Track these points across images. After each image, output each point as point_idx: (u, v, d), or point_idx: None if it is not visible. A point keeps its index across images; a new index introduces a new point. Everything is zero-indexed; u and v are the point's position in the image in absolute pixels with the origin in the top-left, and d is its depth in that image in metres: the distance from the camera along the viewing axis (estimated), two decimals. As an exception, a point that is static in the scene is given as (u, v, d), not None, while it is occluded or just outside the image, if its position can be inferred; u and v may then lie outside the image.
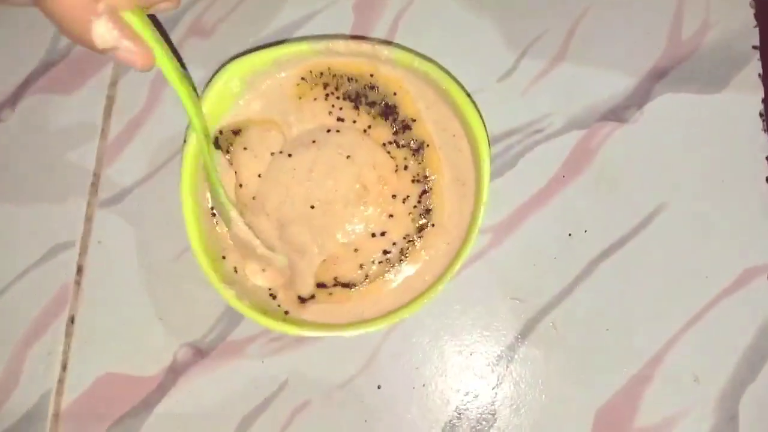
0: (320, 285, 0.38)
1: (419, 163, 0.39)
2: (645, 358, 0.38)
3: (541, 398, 0.38)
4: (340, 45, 0.38)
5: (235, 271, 0.38)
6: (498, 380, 0.39)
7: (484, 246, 0.40)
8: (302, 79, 0.39)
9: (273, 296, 0.39)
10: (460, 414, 0.39)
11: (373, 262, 0.38)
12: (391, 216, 0.38)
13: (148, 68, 0.33)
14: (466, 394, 0.39)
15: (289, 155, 0.39)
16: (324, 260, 0.38)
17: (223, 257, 0.38)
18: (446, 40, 0.43)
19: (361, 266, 0.38)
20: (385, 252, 0.38)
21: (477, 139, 0.36)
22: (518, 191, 0.40)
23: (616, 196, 0.40)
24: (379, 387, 0.39)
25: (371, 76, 0.39)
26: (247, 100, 0.40)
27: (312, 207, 0.38)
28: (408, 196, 0.38)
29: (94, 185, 0.44)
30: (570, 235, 0.40)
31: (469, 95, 0.37)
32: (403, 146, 0.39)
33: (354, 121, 0.39)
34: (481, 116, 0.36)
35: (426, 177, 0.39)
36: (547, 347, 0.39)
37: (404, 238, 0.38)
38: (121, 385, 0.41)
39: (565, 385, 0.38)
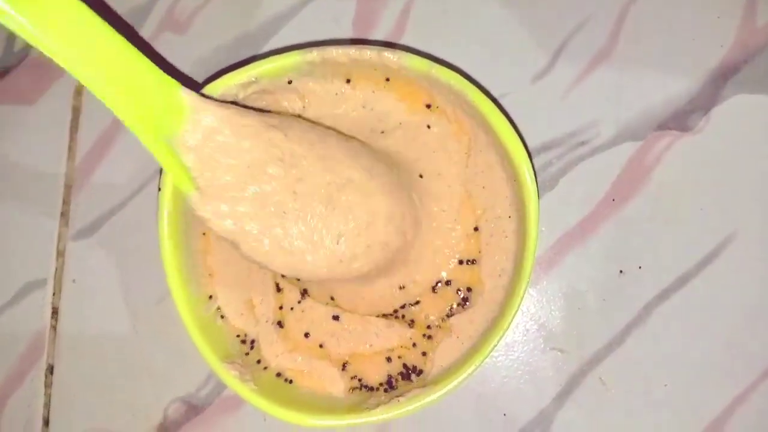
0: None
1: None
2: (708, 419, 0.29)
3: (588, 466, 0.29)
4: (338, 53, 0.26)
5: (243, 342, 0.28)
6: (537, 444, 0.29)
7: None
8: None
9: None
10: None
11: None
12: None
13: None
14: (500, 461, 0.29)
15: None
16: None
17: (222, 316, 0.28)
18: (465, 33, 0.31)
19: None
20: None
21: (520, 175, 0.25)
22: (559, 219, 0.30)
23: (677, 223, 0.30)
24: (398, 451, 0.30)
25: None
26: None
27: None
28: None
29: (64, 214, 0.33)
30: (621, 272, 0.29)
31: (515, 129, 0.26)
32: None
33: None
34: (523, 144, 0.25)
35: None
36: (594, 406, 0.29)
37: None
38: (109, 444, 0.32)
39: (615, 452, 0.29)
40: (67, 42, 0.20)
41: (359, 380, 0.29)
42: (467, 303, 0.28)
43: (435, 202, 0.28)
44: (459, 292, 0.29)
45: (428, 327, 0.29)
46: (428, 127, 0.28)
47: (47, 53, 0.20)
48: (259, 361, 0.29)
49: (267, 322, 0.29)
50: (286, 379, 0.29)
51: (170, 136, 0.24)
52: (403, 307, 0.29)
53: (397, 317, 0.29)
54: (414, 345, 0.29)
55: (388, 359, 0.29)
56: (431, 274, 0.29)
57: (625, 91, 0.32)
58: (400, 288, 0.29)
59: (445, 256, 0.28)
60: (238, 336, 0.29)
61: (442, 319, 0.29)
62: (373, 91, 0.28)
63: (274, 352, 0.29)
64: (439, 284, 0.29)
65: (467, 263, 0.28)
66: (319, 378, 0.29)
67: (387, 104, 0.28)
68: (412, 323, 0.29)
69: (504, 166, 0.27)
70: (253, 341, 0.29)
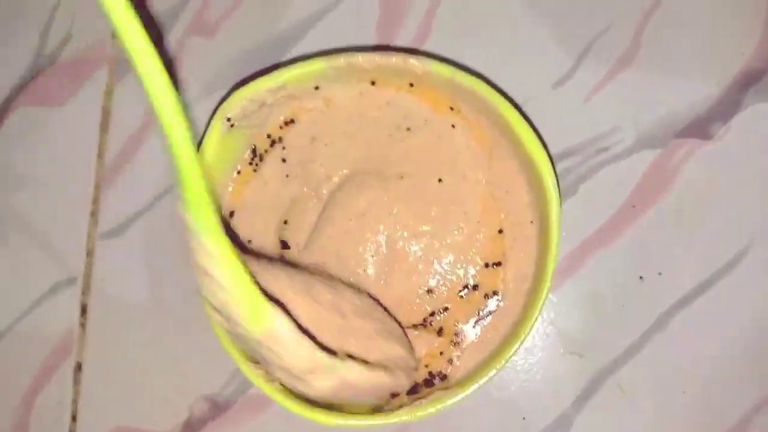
0: None
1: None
2: (726, 426, 0.29)
3: (606, 470, 0.29)
4: (364, 59, 0.27)
5: None
6: (555, 447, 0.30)
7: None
8: None
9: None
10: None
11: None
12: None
13: None
14: (519, 463, 0.30)
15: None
16: None
17: None
18: (487, 38, 0.31)
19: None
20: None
21: (543, 183, 0.25)
22: (579, 224, 0.30)
23: (697, 230, 0.30)
24: (418, 452, 0.30)
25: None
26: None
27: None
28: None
29: (94, 214, 0.34)
30: (641, 278, 0.30)
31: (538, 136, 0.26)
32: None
33: None
34: (546, 151, 0.25)
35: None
36: (613, 411, 0.30)
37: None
38: (135, 439, 0.33)
39: (633, 456, 0.29)
40: None
41: None
42: (493, 308, 0.29)
43: (458, 206, 0.29)
44: (486, 297, 0.29)
45: (456, 334, 0.29)
46: (453, 126, 0.29)
47: None
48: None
49: None
50: None
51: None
52: (432, 314, 0.29)
53: (425, 326, 0.29)
54: (441, 353, 0.29)
55: (415, 368, 0.29)
56: (458, 277, 0.29)
57: (646, 98, 0.32)
58: (428, 292, 0.29)
59: (471, 258, 0.29)
60: None
61: (471, 326, 0.29)
62: (397, 92, 0.29)
63: None
64: (466, 289, 0.29)
65: (493, 266, 0.29)
66: None
67: (411, 103, 0.29)
68: (440, 332, 0.29)
69: (526, 174, 0.27)
70: None
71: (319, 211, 0.29)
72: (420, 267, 0.29)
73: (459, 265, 0.29)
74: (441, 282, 0.29)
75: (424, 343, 0.29)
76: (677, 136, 0.31)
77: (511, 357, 0.27)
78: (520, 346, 0.27)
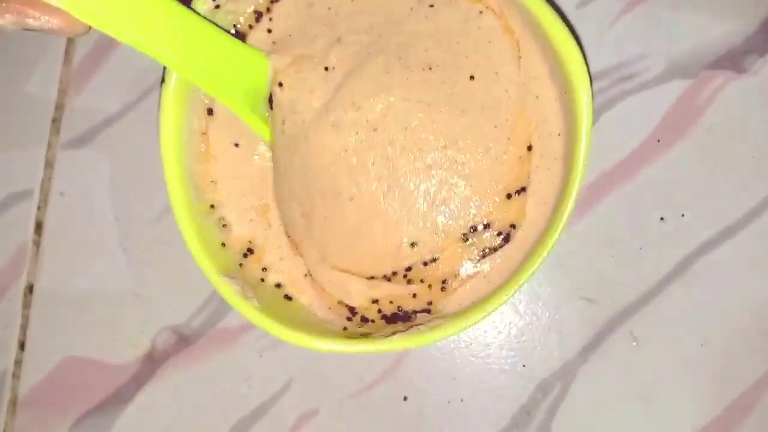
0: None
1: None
2: (746, 384, 0.26)
3: (609, 427, 0.26)
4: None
5: (245, 256, 0.25)
6: (556, 400, 0.27)
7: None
8: None
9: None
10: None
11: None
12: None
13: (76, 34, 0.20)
14: (514, 415, 0.27)
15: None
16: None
17: (224, 225, 0.25)
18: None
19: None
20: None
21: (573, 86, 0.22)
22: (598, 157, 0.28)
23: (725, 170, 0.27)
24: (405, 399, 0.28)
25: None
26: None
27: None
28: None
29: (56, 121, 0.30)
30: (662, 219, 0.27)
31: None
32: None
33: None
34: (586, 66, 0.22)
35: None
36: (622, 363, 0.27)
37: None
38: (89, 373, 0.30)
39: (640, 412, 0.26)
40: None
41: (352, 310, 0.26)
42: (506, 242, 0.24)
43: (489, 114, 0.24)
44: (499, 235, 0.24)
45: (444, 281, 0.25)
46: (480, 13, 0.24)
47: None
48: (264, 269, 0.26)
49: (281, 225, 0.26)
50: (286, 296, 0.26)
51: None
52: (409, 269, 0.25)
53: (390, 278, 0.25)
54: (414, 296, 0.25)
55: (375, 301, 0.25)
56: (465, 220, 0.24)
57: (678, 24, 0.29)
58: (412, 245, 0.24)
59: (490, 192, 0.24)
60: (239, 247, 0.26)
61: (472, 266, 0.25)
62: None
63: (279, 255, 0.26)
64: (475, 230, 0.24)
65: (516, 194, 0.24)
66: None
67: None
68: (410, 281, 0.25)
69: (556, 78, 0.23)
70: (251, 250, 0.26)
71: (335, 83, 0.24)
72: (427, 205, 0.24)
73: (473, 204, 0.24)
74: (441, 226, 0.24)
75: (383, 291, 0.25)
76: (709, 67, 0.28)
77: (514, 293, 0.23)
78: (523, 284, 0.23)
